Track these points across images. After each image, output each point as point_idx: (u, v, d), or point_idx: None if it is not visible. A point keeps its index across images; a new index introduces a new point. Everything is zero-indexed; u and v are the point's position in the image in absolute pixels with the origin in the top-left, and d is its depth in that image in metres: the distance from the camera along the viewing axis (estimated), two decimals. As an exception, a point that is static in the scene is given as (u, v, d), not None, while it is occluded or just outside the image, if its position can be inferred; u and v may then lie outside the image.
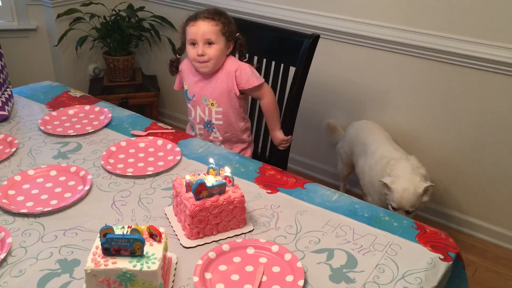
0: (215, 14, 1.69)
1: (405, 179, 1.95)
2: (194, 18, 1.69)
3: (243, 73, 1.72)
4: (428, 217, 2.50)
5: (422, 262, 1.15)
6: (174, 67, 1.86)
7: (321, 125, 2.64)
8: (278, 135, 1.84)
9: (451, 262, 1.17)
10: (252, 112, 2.02)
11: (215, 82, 1.75)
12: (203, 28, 1.67)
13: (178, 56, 1.85)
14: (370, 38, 2.35)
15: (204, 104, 1.79)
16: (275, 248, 1.16)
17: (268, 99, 1.79)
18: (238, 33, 1.76)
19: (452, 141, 2.33)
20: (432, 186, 1.97)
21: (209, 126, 1.82)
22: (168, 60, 1.87)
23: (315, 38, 1.80)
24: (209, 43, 1.68)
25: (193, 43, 1.70)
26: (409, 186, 1.93)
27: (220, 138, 1.83)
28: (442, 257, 1.17)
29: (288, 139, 1.85)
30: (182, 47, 1.81)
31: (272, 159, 1.99)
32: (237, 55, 1.82)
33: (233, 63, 1.75)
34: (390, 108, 2.45)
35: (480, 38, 2.09)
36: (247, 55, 1.82)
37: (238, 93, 1.75)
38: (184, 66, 1.83)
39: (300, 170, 2.87)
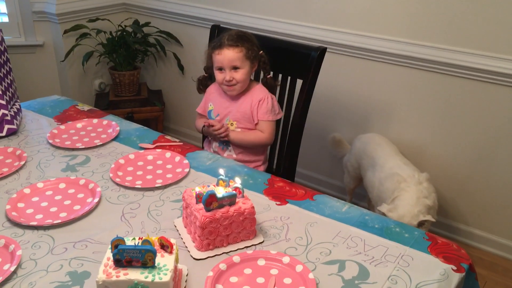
0: (238, 40, 1.75)
1: (403, 210, 1.91)
2: (219, 46, 1.76)
3: (264, 105, 1.80)
4: (435, 230, 2.48)
5: (435, 274, 1.14)
6: (202, 85, 1.95)
7: (326, 139, 2.63)
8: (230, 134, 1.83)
9: (464, 273, 1.16)
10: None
11: (239, 104, 1.83)
12: (228, 56, 1.74)
13: (206, 75, 1.93)
14: (375, 51, 2.36)
15: (225, 123, 1.85)
16: (286, 259, 1.16)
17: (264, 136, 1.82)
18: (261, 51, 1.82)
19: (459, 153, 2.33)
20: (429, 221, 1.91)
21: (224, 144, 1.88)
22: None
23: (322, 51, 1.81)
24: (235, 68, 1.75)
25: (220, 69, 1.77)
26: (404, 218, 1.89)
27: (234, 156, 1.87)
28: (455, 268, 1.16)
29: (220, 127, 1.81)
30: (209, 66, 1.86)
31: (280, 171, 1.99)
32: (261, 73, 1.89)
33: (261, 92, 1.82)
34: (396, 121, 2.46)
35: (484, 50, 2.09)
36: (271, 72, 1.89)
37: (256, 121, 1.82)
38: (212, 89, 1.92)
39: (304, 183, 2.86)
